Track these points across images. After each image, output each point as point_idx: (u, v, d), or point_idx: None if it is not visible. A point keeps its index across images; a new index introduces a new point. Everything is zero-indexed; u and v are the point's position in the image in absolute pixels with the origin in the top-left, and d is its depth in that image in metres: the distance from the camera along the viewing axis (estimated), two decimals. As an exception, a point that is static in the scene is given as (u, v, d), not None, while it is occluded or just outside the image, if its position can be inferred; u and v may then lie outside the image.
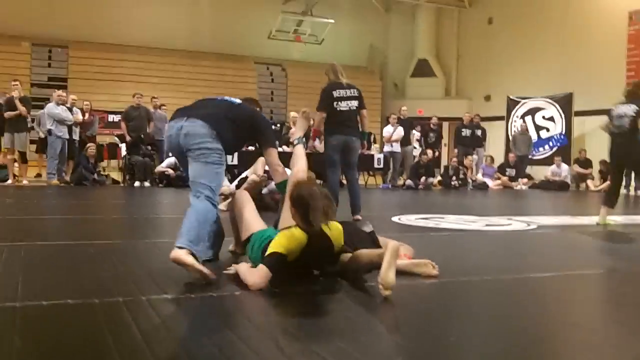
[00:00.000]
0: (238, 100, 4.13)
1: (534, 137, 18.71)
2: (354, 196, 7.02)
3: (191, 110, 3.85)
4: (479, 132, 17.00)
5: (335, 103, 6.89)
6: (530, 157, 17.55)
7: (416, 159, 15.32)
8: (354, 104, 6.98)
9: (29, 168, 12.61)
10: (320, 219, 3.28)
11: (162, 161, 12.85)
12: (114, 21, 19.03)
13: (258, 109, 4.34)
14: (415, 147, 15.84)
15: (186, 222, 3.45)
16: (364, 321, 2.79)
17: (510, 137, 18.32)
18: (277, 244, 3.25)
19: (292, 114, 15.63)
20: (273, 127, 4.37)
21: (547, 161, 17.81)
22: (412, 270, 3.64)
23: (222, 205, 5.86)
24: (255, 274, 3.21)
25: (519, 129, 17.88)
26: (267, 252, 3.25)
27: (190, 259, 3.26)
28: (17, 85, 11.83)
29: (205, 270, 3.25)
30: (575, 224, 7.60)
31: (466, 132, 16.64)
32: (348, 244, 3.58)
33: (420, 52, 24.19)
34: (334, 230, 3.46)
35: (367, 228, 3.97)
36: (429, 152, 15.54)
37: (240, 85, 21.26)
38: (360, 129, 7.19)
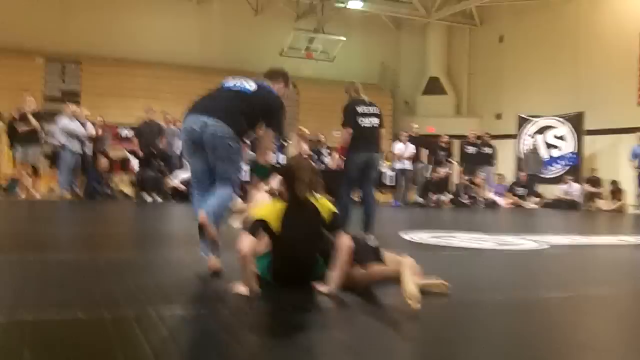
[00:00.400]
0: (252, 87, 4.28)
1: (545, 155, 18.66)
2: (369, 214, 6.88)
3: (211, 107, 4.18)
4: (487, 150, 16.95)
5: (359, 119, 6.82)
6: (540, 175, 17.46)
7: (428, 177, 15.30)
8: (376, 121, 6.91)
9: (41, 182, 12.67)
10: (304, 189, 3.44)
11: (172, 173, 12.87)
12: (126, 37, 19.19)
13: (281, 83, 4.58)
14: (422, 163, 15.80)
15: (213, 202, 3.94)
16: (376, 338, 2.77)
17: (522, 156, 18.26)
18: (255, 213, 3.45)
19: (303, 129, 15.66)
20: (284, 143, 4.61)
21: (558, 180, 17.73)
22: (426, 288, 3.62)
23: (237, 222, 5.88)
24: (239, 241, 3.29)
25: (530, 147, 17.82)
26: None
27: (213, 227, 3.80)
28: (31, 100, 11.92)
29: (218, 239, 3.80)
30: (587, 244, 7.55)
31: (471, 149, 16.59)
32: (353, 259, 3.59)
33: (432, 70, 24.22)
34: (323, 205, 3.53)
35: (372, 243, 3.97)
36: (441, 170, 15.49)
37: (251, 101, 21.30)
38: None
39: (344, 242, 3.47)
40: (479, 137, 16.83)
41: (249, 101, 4.15)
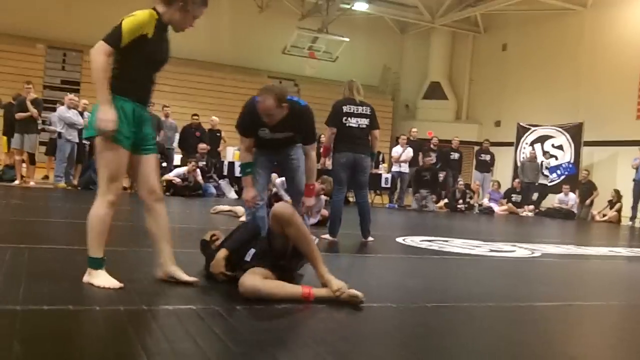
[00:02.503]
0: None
1: (545, 163, 18.74)
2: (364, 219, 6.78)
3: None
4: (487, 158, 17.01)
5: (344, 118, 6.61)
6: (536, 184, 17.42)
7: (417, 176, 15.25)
8: (364, 122, 6.68)
9: (37, 170, 12.65)
10: None
11: (170, 170, 12.86)
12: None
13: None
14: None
15: None
16: (362, 344, 2.77)
17: (519, 164, 18.28)
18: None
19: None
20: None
21: (555, 189, 17.75)
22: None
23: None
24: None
25: (528, 156, 17.83)
26: None
27: None
28: (29, 87, 11.90)
29: None
30: (580, 254, 7.57)
31: (454, 155, 16.62)
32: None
33: (433, 75, 24.25)
34: None
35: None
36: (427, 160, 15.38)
37: (252, 98, 21.30)
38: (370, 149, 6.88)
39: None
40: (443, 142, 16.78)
41: None
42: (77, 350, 2.34)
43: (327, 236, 6.66)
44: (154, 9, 3.48)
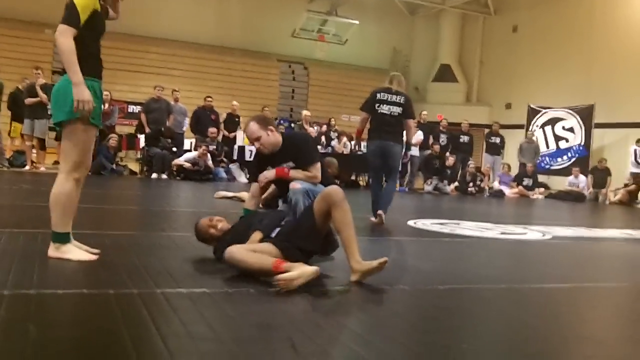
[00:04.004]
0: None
1: (553, 147, 18.60)
2: (385, 198, 6.89)
3: None
4: (497, 140, 16.84)
5: (377, 105, 6.85)
6: (529, 166, 17.05)
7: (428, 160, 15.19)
8: (396, 110, 6.86)
9: (47, 155, 12.70)
10: None
11: (180, 155, 12.88)
12: (139, 13, 19.06)
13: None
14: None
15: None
16: (375, 325, 2.78)
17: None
18: None
19: (305, 112, 15.63)
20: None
21: (565, 172, 17.67)
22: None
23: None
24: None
25: (526, 137, 17.61)
26: None
27: None
28: (39, 73, 11.91)
29: None
30: (590, 236, 7.54)
31: (464, 138, 16.43)
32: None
33: (443, 57, 24.11)
34: None
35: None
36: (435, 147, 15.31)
37: (262, 82, 21.31)
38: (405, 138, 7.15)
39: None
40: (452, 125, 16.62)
41: None
42: (92, 333, 2.35)
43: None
44: None
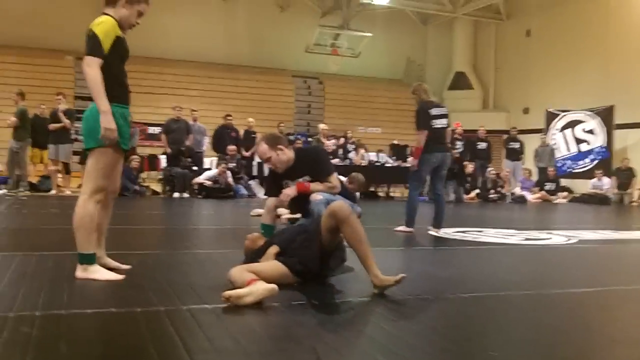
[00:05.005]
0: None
1: (574, 150, 18.45)
2: (440, 211, 7.15)
3: None
4: (514, 145, 16.68)
5: (432, 121, 7.02)
6: (549, 170, 16.87)
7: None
8: (445, 122, 7.15)
9: (72, 179, 12.86)
10: None
11: (200, 173, 12.97)
12: (154, 36, 19.34)
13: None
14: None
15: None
16: (400, 335, 2.78)
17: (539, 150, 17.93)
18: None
19: (322, 126, 15.68)
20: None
21: (588, 175, 17.51)
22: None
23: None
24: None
25: (544, 142, 17.44)
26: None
27: None
28: (60, 98, 12.10)
29: None
30: (617, 239, 7.47)
31: (481, 145, 16.26)
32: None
33: (458, 65, 24.10)
34: None
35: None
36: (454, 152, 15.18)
37: (277, 98, 21.43)
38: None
39: None
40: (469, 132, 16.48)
41: None
42: (121, 350, 2.39)
43: (402, 228, 7.05)
44: (104, 14, 3.65)
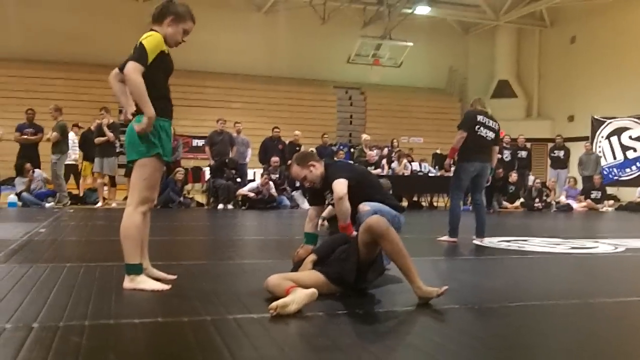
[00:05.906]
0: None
1: (620, 157, 18.07)
2: (480, 220, 7.14)
3: None
4: (561, 154, 16.40)
5: (477, 127, 6.98)
6: (595, 178, 16.45)
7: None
8: (491, 134, 7.07)
9: (117, 191, 13.08)
10: None
11: (244, 185, 13.09)
12: (196, 49, 19.56)
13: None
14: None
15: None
16: (445, 345, 2.77)
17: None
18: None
19: (364, 136, 15.64)
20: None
21: (635, 182, 17.12)
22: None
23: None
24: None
25: (590, 150, 17.07)
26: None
27: None
28: (102, 114, 12.35)
29: None
30: (667, 248, 7.28)
31: (522, 153, 15.97)
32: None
33: (501, 73, 23.87)
34: None
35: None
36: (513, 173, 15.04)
37: (319, 109, 21.53)
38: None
39: None
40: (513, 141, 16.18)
41: None
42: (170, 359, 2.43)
43: (445, 238, 7.01)
44: (152, 30, 3.76)
